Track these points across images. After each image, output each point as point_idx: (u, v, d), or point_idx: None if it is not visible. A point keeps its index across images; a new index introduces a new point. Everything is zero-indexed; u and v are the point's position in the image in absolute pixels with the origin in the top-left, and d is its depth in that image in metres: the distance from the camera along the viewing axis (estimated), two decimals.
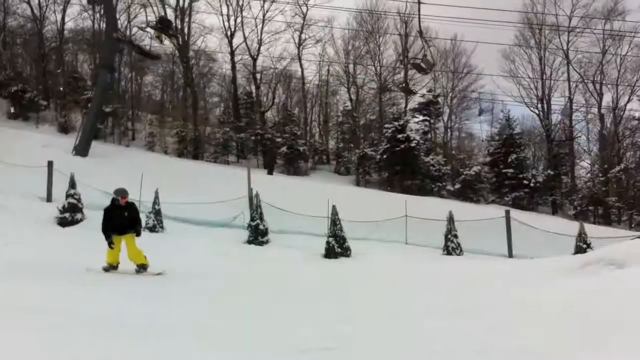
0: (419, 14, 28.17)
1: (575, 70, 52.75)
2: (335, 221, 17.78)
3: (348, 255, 17.08)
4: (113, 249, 11.17)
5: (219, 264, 12.98)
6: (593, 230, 20.95)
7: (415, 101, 52.97)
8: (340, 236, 17.44)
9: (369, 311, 7.56)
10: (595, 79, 52.30)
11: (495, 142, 49.05)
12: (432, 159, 45.89)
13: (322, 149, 53.12)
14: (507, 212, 19.44)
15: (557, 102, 53.77)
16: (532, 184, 44.86)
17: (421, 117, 52.71)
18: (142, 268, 11.25)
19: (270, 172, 42.48)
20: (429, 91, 52.46)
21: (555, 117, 53.70)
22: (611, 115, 52.33)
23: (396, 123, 45.57)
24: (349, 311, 7.53)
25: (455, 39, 54.33)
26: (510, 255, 18.04)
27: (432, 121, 53.33)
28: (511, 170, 45.26)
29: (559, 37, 52.34)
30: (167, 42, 37.00)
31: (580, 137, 54.64)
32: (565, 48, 52.26)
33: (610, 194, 45.54)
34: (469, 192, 44.57)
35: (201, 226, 20.05)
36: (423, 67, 27.91)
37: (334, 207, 18.18)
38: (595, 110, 53.00)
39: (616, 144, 51.16)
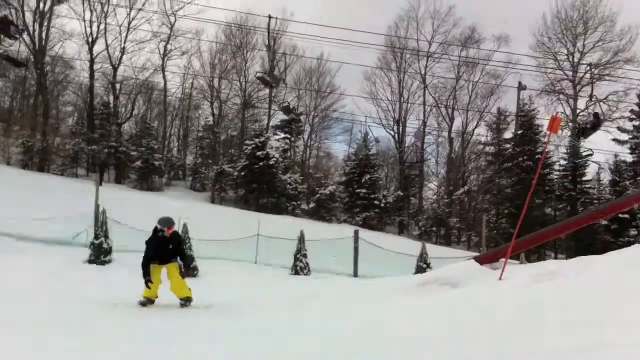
0: (268, 29, 28.69)
1: (431, 95, 55.92)
2: (184, 239, 17.28)
3: (195, 275, 16.63)
4: (152, 282, 9.95)
5: (44, 285, 12.06)
6: (434, 250, 22.02)
7: (277, 118, 53.54)
8: (188, 255, 16.95)
9: (194, 333, 7.31)
10: (448, 104, 55.73)
11: (351, 162, 50.45)
12: (290, 177, 46.36)
13: (179, 164, 51.96)
14: (356, 232, 19.90)
15: (412, 124, 56.66)
16: (382, 204, 46.64)
17: (282, 135, 53.18)
18: (187, 301, 10.15)
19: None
20: (293, 109, 53.00)
21: (409, 139, 56.48)
22: (460, 139, 55.75)
23: (257, 140, 45.61)
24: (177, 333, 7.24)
25: (321, 58, 55.59)
26: (356, 274, 18.46)
27: (292, 139, 53.97)
28: (364, 190, 46.79)
29: (419, 62, 55.33)
30: (6, 42, 34.48)
31: (430, 159, 57.89)
32: (423, 72, 55.29)
33: (452, 215, 48.35)
34: (322, 211, 45.51)
35: (40, 244, 18.70)
36: (269, 80, 28.25)
37: (185, 224, 17.69)
38: (445, 133, 56.34)
39: (462, 167, 54.51)
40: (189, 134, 56.40)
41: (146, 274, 9.89)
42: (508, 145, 49.18)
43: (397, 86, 56.08)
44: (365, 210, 46.30)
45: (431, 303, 8.14)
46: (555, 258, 35.12)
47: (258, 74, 33.42)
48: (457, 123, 56.19)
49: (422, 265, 16.95)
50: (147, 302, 10.06)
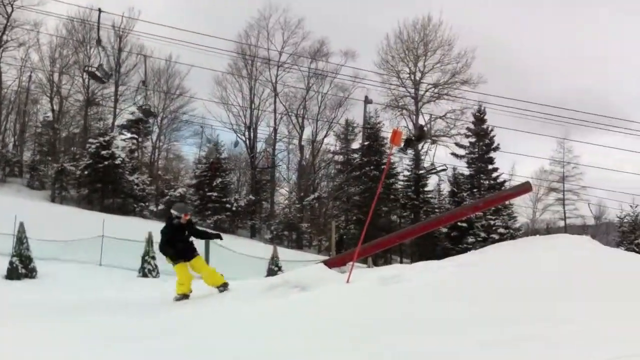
0: (98, 23, 27.66)
1: (282, 103, 56.75)
2: (21, 239, 16.21)
3: (33, 277, 15.65)
4: (182, 277, 10.12)
5: None
6: (286, 253, 22.42)
7: (124, 118, 51.58)
8: (26, 256, 15.93)
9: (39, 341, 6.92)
10: (299, 113, 56.85)
11: (202, 165, 49.81)
12: (137, 178, 44.87)
13: (15, 160, 48.39)
14: None
15: (263, 130, 57.12)
16: (234, 208, 46.55)
17: (129, 135, 51.21)
18: (224, 287, 10.22)
19: None
20: (143, 107, 50.96)
21: (260, 145, 57.03)
22: (310, 147, 57.21)
23: (101, 139, 43.72)
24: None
25: (170, 60, 54.17)
26: None
27: (140, 139, 52.18)
28: (215, 194, 46.43)
29: (269, 71, 55.89)
30: None
31: (281, 165, 58.73)
32: (274, 81, 55.95)
33: (304, 220, 49.36)
34: None
35: None
36: (98, 75, 27.20)
37: (21, 223, 16.56)
38: (296, 141, 57.58)
39: (312, 174, 55.89)
40: (26, 129, 52.68)
41: (167, 252, 10.08)
42: (356, 155, 50.86)
43: (249, 93, 56.43)
44: (216, 213, 45.94)
45: (281, 305, 8.25)
46: (401, 262, 36.92)
47: (87, 69, 31.95)
48: (308, 132, 57.69)
49: (274, 268, 17.18)
50: (182, 297, 10.20)
